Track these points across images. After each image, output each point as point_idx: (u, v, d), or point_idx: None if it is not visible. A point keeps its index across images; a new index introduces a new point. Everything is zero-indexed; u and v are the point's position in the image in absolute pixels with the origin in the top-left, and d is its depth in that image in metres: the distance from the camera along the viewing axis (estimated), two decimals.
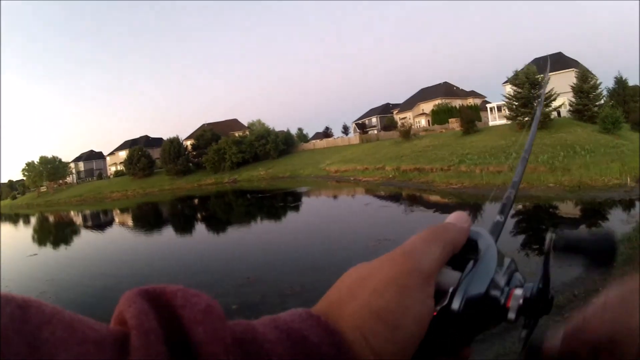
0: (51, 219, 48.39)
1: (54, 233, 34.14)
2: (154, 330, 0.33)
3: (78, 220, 42.85)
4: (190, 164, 68.10)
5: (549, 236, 0.53)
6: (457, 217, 0.61)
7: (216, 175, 61.47)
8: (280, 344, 0.40)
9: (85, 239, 27.64)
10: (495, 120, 49.10)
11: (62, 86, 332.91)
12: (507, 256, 0.57)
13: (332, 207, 27.34)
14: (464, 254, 0.55)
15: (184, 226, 27.33)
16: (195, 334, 0.35)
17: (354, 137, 66.99)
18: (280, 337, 0.41)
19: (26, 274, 16.94)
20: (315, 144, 70.25)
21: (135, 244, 22.27)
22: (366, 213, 21.85)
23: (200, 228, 26.42)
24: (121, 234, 27.54)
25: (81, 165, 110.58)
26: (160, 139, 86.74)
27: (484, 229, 0.61)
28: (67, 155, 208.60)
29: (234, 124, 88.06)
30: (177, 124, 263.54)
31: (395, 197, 27.10)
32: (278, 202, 31.80)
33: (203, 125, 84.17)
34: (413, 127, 57.02)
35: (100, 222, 37.91)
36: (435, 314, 0.50)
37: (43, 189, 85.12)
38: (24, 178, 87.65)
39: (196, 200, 43.83)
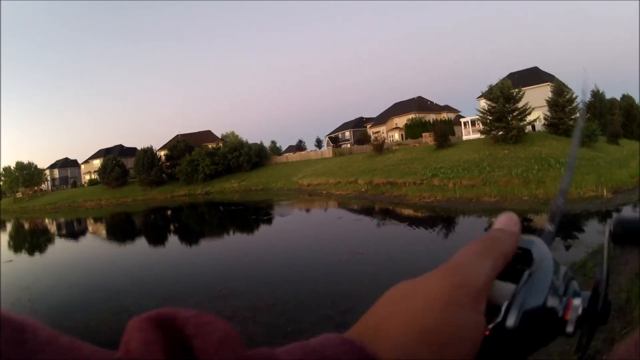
0: (26, 225, 47.48)
1: (29, 240, 33.69)
2: None
3: (53, 228, 42.29)
4: (164, 175, 67.22)
5: (607, 230, 0.47)
6: (506, 221, 0.55)
7: (189, 187, 60.99)
8: None
9: (60, 247, 27.32)
10: (469, 134, 49.37)
11: (37, 92, 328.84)
12: (562, 264, 0.52)
13: (304, 220, 26.96)
14: (516, 262, 0.52)
15: (157, 237, 26.97)
16: None
17: (327, 150, 66.82)
18: None
19: (2, 280, 16.57)
20: (288, 157, 69.90)
21: (108, 254, 22.02)
22: (339, 226, 21.55)
23: (172, 239, 25.99)
24: (95, 244, 27.24)
25: (56, 172, 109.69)
26: (135, 149, 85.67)
27: (536, 237, 0.55)
28: (42, 161, 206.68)
29: (207, 135, 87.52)
30: (151, 133, 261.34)
31: (367, 211, 26.89)
32: (250, 214, 31.41)
33: (177, 136, 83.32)
34: (386, 141, 57.07)
35: (74, 231, 37.34)
36: (487, 332, 0.45)
37: (19, 194, 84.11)
38: (0, 183, 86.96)
39: (169, 212, 43.22)
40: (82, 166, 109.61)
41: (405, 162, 36.44)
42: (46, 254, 24.58)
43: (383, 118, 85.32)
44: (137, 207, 51.11)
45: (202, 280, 13.42)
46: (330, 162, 52.68)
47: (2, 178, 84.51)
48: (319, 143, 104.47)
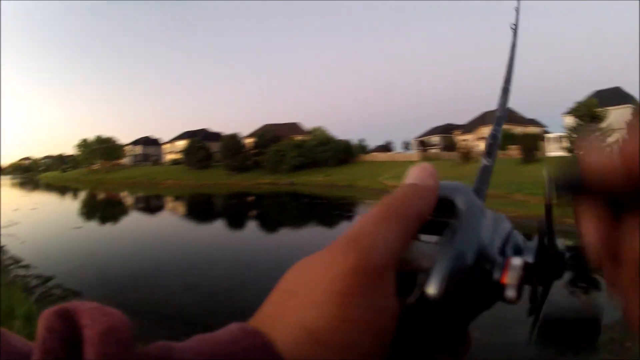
0: (101, 196, 48.71)
1: (101, 210, 34.83)
2: (52, 351, 0.28)
3: (128, 201, 42.91)
4: (249, 162, 67.15)
5: (546, 177, 0.39)
6: (419, 174, 0.41)
7: (273, 176, 61.01)
8: None
9: (134, 220, 27.71)
10: (553, 151, 48.69)
11: (127, 72, 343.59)
12: (497, 213, 0.43)
13: None
14: (440, 215, 0.39)
15: (236, 221, 26.43)
16: (87, 358, 0.28)
17: (414, 153, 66.76)
18: None
19: (68, 245, 17.11)
20: (375, 157, 69.92)
21: (184, 232, 22.00)
22: None
23: (252, 225, 25.66)
24: (170, 221, 27.34)
25: (137, 149, 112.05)
26: (218, 134, 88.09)
27: (461, 183, 0.43)
28: (125, 137, 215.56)
29: (294, 127, 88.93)
30: (236, 121, 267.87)
31: None
32: (333, 210, 31.37)
33: (265, 125, 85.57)
34: (473, 149, 56.64)
35: (150, 206, 37.86)
36: (405, 306, 0.35)
37: (95, 166, 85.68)
38: (78, 153, 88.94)
39: (251, 198, 42.16)
40: (165, 146, 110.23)
41: None
42: (118, 225, 24.72)
43: (471, 126, 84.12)
44: (219, 190, 51.09)
45: (275, 269, 13.55)
46: None
47: (81, 149, 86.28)
48: (406, 145, 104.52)
